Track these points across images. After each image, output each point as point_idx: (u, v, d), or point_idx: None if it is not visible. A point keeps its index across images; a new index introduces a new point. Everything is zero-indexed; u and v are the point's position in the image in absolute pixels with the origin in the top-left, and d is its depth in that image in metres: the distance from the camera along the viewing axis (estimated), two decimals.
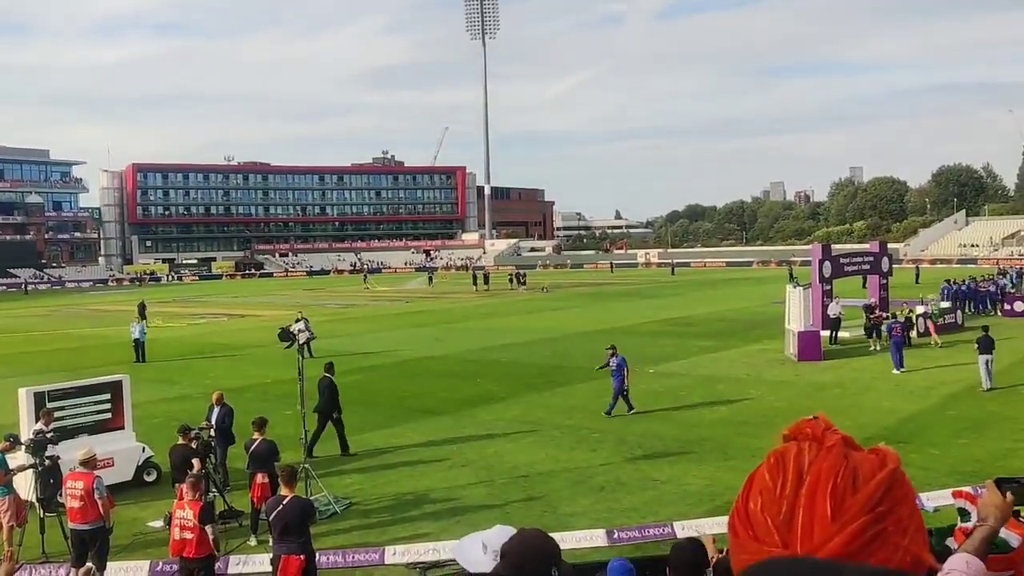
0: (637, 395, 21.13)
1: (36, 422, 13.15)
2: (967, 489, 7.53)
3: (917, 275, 54.92)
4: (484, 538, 2.75)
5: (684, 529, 11.07)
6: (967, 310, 35.56)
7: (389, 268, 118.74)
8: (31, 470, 11.84)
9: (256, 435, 12.31)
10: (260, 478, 11.84)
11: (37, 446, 11.88)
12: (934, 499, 11.12)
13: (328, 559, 10.46)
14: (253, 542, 11.75)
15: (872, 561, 1.00)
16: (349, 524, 12.45)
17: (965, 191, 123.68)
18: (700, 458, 15.09)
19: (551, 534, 2.72)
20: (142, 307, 38.89)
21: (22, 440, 12.41)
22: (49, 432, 12.46)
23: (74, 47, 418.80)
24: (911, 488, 1.08)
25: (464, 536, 2.84)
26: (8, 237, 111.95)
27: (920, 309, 30.12)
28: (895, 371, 22.91)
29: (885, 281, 31.18)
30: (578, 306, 49.80)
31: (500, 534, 2.75)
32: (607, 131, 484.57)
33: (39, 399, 13.85)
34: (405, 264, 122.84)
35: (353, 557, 10.91)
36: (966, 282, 38.52)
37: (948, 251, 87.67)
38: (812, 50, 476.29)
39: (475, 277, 71.85)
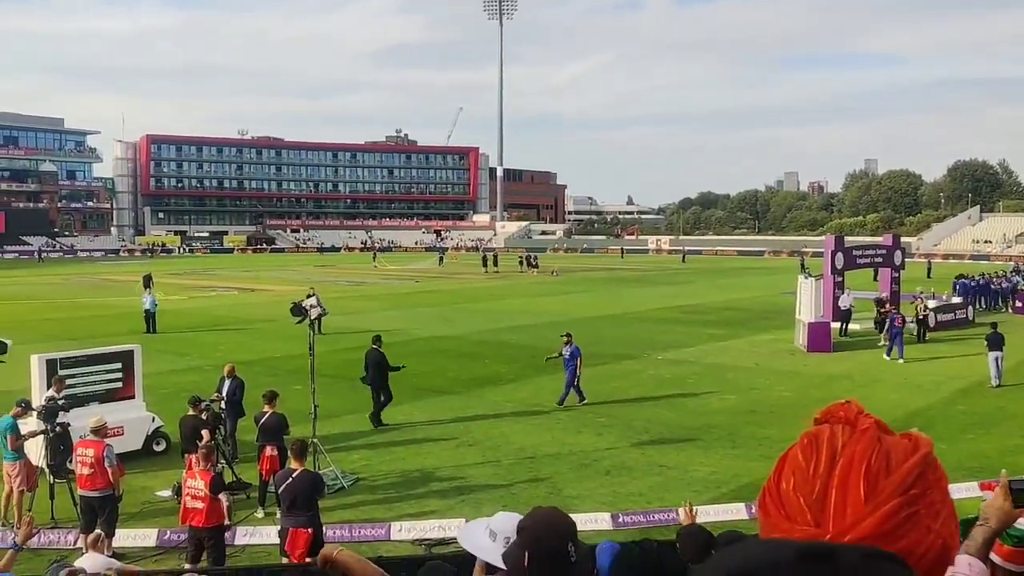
0: (646, 381, 21.21)
1: (48, 389, 13.25)
2: (996, 481, 7.52)
3: (929, 270, 54.67)
4: (491, 525, 2.76)
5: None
6: (978, 306, 35.45)
7: (399, 247, 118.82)
8: (42, 436, 11.96)
9: (267, 408, 12.37)
10: (269, 451, 11.92)
11: (48, 413, 11.98)
12: None
13: (335, 533, 10.53)
14: (260, 514, 11.84)
15: (903, 543, 1.01)
16: (356, 499, 12.53)
17: (980, 187, 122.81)
18: (707, 446, 15.11)
19: None
20: (147, 278, 38.66)
21: (34, 406, 12.50)
22: (61, 399, 12.55)
23: (91, 16, 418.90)
24: (944, 473, 1.09)
25: (469, 522, 2.85)
26: (22, 205, 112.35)
27: (932, 303, 30.01)
28: (886, 356, 23.97)
29: (897, 275, 31.04)
30: (588, 291, 49.78)
31: (506, 520, 2.76)
32: (621, 116, 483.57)
33: (51, 366, 13.93)
34: (416, 243, 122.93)
35: (360, 532, 10.99)
36: (978, 278, 38.35)
37: (961, 246, 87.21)
38: (831, 41, 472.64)
39: (485, 259, 71.85)
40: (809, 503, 1.05)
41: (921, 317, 27.20)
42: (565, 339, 18.76)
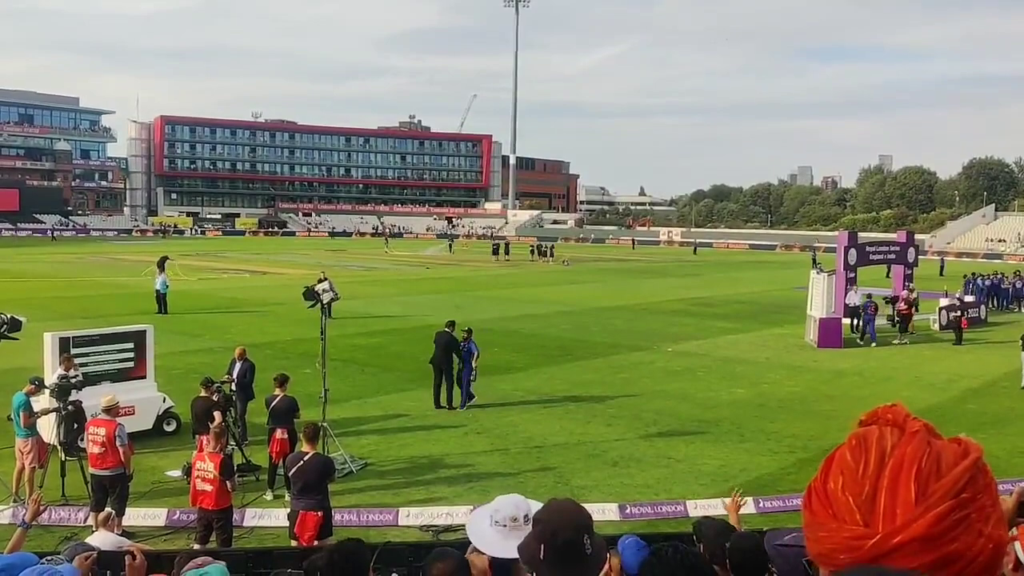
0: (656, 372, 21.19)
1: (59, 367, 13.31)
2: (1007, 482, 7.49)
3: (942, 267, 54.42)
4: (491, 510, 2.76)
5: (697, 508, 11.11)
6: (991, 306, 35.26)
7: (410, 233, 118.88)
8: (55, 414, 12.03)
9: (277, 391, 12.42)
10: (279, 433, 11.96)
11: (61, 391, 12.04)
12: None
13: (343, 517, 10.56)
14: (269, 496, 11.89)
15: (954, 546, 1.00)
16: (364, 484, 12.56)
17: (995, 185, 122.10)
18: (716, 439, 15.10)
19: None
20: (163, 260, 38.69)
21: (47, 384, 12.57)
22: (75, 377, 12.61)
23: None
24: (993, 479, 1.09)
25: (475, 510, 2.85)
26: (36, 183, 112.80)
27: (943, 302, 29.89)
28: (860, 342, 26.02)
29: (910, 272, 30.90)
30: (598, 281, 49.73)
31: (507, 503, 2.75)
32: (636, 106, 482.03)
33: (64, 344, 13.99)
34: (427, 230, 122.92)
35: (368, 517, 11.03)
36: (990, 277, 38.13)
37: (975, 245, 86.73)
38: (849, 35, 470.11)
39: (496, 247, 71.83)
40: (858, 503, 1.05)
41: (903, 311, 27.25)
42: (465, 334, 17.54)
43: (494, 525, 2.74)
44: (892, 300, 28.71)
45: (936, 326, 29.01)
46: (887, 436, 1.10)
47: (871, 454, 1.08)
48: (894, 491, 1.04)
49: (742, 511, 6.56)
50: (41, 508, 6.80)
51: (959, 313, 28.20)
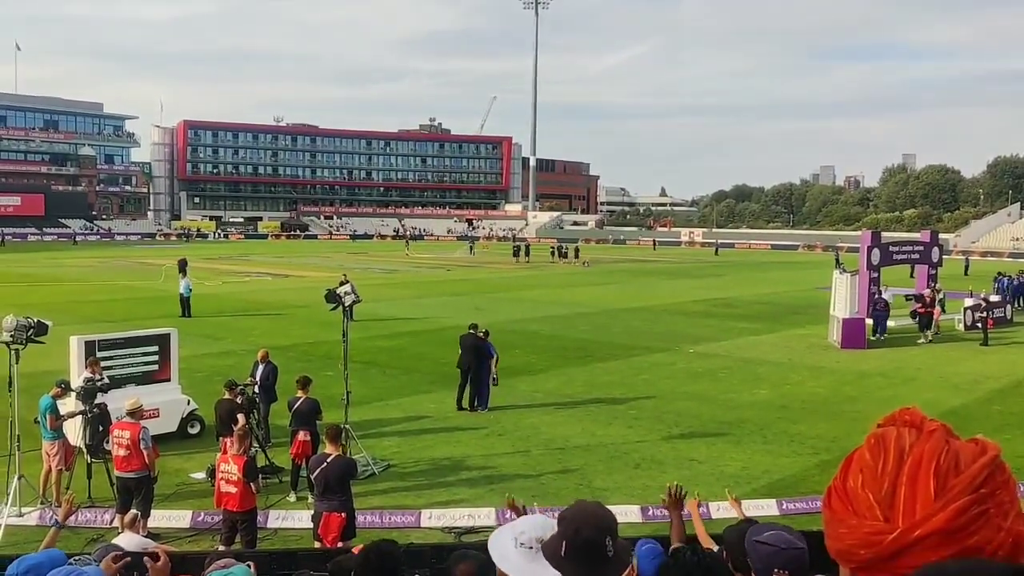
0: (677, 374, 21.14)
1: (85, 370, 13.45)
2: None
3: (966, 267, 53.90)
4: (515, 531, 2.75)
5: (719, 510, 11.05)
6: (1017, 305, 34.88)
7: (431, 235, 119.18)
8: (80, 417, 12.16)
9: (300, 393, 12.50)
10: (302, 435, 12.03)
11: (87, 394, 12.17)
12: None
13: (366, 519, 10.61)
14: (292, 498, 11.97)
15: (974, 540, 1.02)
16: (387, 486, 12.61)
17: (1021, 183, 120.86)
18: (738, 440, 15.04)
19: None
20: (183, 263, 39.04)
21: (73, 387, 12.71)
22: (100, 380, 12.74)
23: (131, 3, 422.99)
24: (1012, 476, 1.11)
25: (498, 529, 2.83)
26: (60, 188, 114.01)
27: (968, 302, 29.61)
28: (872, 336, 26.54)
29: (934, 271, 30.63)
30: (619, 282, 49.65)
31: (530, 525, 2.74)
32: (656, 107, 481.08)
33: (90, 347, 14.14)
34: (448, 232, 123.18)
35: (390, 519, 11.08)
36: (1019, 277, 37.71)
37: (1000, 244, 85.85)
38: (871, 33, 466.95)
39: (516, 249, 71.89)
40: (878, 499, 1.08)
41: (920, 311, 27.25)
42: (482, 336, 17.46)
43: (520, 547, 2.72)
44: (915, 298, 28.50)
45: (961, 326, 28.75)
46: (905, 435, 1.13)
47: (890, 452, 1.11)
48: (913, 487, 1.06)
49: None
50: (73, 508, 6.89)
51: (985, 313, 27.94)
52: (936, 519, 1.03)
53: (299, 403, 12.34)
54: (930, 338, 26.56)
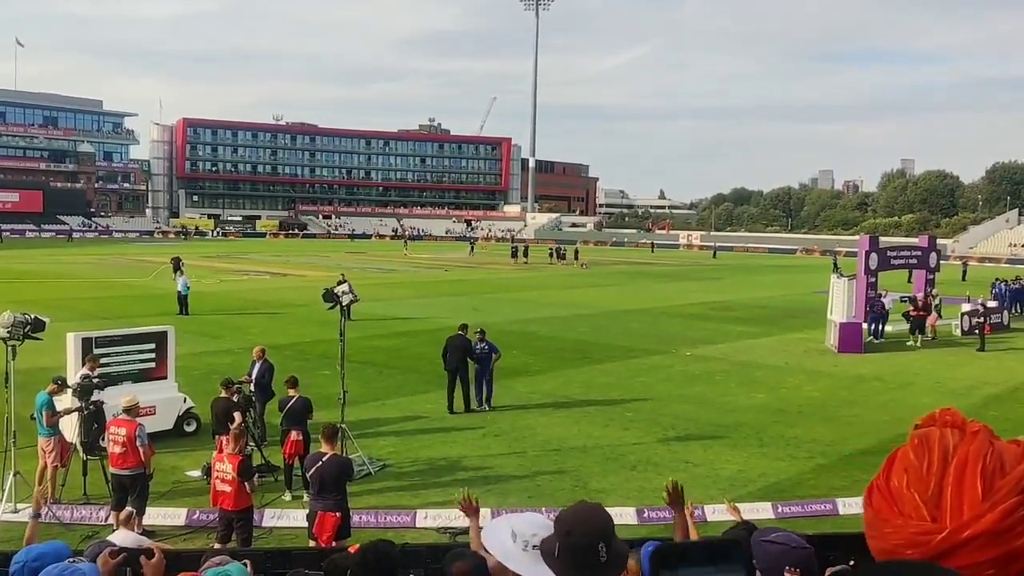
0: (674, 376, 21.13)
1: (82, 367, 13.44)
2: None
3: (964, 273, 53.94)
4: (514, 526, 2.73)
5: (715, 513, 11.05)
6: (1014, 311, 34.91)
7: (430, 236, 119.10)
8: (76, 413, 12.14)
9: (291, 392, 12.50)
10: (294, 435, 12.03)
11: (84, 391, 12.16)
12: None
13: (361, 519, 10.61)
14: (288, 497, 11.95)
15: (1021, 541, 1.02)
16: (383, 485, 12.60)
17: (1019, 189, 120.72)
18: (734, 443, 15.03)
19: None
20: (177, 261, 38.86)
21: (69, 384, 12.69)
22: (96, 378, 12.72)
23: (132, 1, 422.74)
24: None
25: (494, 519, 2.81)
26: (59, 184, 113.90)
27: (966, 307, 29.63)
28: (869, 336, 26.97)
29: (932, 277, 30.63)
30: (617, 284, 49.64)
31: (531, 523, 2.73)
32: (656, 109, 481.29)
33: (87, 344, 14.12)
34: (446, 232, 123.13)
35: (386, 518, 11.07)
36: (1011, 283, 37.75)
37: (998, 250, 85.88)
38: (871, 37, 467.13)
39: (515, 250, 71.86)
40: (924, 499, 1.07)
41: (913, 314, 27.39)
42: (479, 335, 17.53)
43: (528, 549, 2.69)
44: (909, 300, 28.54)
45: (958, 331, 28.78)
46: (948, 436, 1.12)
47: (934, 453, 1.10)
48: (960, 488, 1.06)
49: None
50: (47, 500, 6.88)
51: (982, 319, 27.96)
52: (984, 520, 1.03)
53: (292, 402, 12.33)
54: (919, 343, 26.58)
